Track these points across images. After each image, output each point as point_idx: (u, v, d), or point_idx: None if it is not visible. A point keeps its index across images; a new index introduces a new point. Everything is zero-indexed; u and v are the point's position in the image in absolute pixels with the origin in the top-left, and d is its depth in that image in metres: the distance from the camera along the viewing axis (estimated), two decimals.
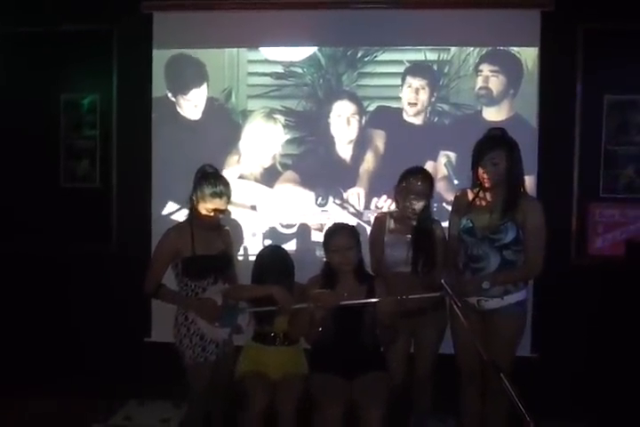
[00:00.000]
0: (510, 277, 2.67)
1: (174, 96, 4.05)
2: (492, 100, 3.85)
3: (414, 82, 3.89)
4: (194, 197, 2.73)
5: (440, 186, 3.85)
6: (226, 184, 2.73)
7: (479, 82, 3.86)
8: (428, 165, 3.82)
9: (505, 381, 1.74)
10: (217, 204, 2.69)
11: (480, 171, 2.67)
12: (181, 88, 4.04)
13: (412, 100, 3.89)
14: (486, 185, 2.68)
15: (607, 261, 3.72)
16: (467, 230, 2.73)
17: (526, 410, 1.60)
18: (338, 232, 2.85)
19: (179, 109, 4.05)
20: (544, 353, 3.78)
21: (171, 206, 3.96)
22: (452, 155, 3.82)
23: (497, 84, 3.85)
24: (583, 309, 3.77)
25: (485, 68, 3.85)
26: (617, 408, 3.22)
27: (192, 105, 4.04)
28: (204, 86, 4.02)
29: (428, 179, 2.98)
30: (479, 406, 2.85)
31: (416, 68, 3.90)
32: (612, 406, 3.27)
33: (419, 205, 2.93)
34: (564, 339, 3.82)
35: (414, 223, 2.97)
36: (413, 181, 2.93)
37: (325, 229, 2.99)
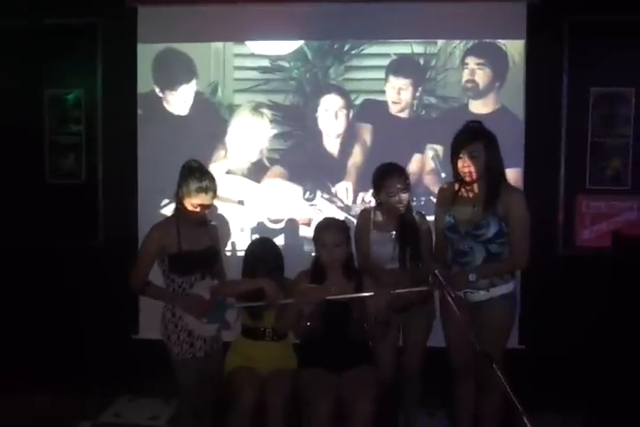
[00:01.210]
0: (497, 269, 2.67)
1: (162, 92, 4.02)
2: (479, 93, 3.85)
3: (396, 82, 3.89)
4: (180, 193, 2.71)
5: (427, 179, 3.86)
6: (211, 179, 2.71)
7: (465, 75, 3.86)
8: (416, 158, 3.84)
9: (497, 371, 1.74)
10: (203, 199, 2.67)
11: (460, 164, 2.66)
12: (170, 84, 4.01)
13: (395, 99, 3.90)
14: (467, 179, 2.67)
15: (594, 253, 3.74)
16: (449, 228, 2.73)
17: (518, 400, 1.60)
18: (327, 228, 2.82)
19: (166, 105, 4.02)
20: (532, 344, 3.80)
21: (157, 202, 3.93)
22: (440, 148, 3.82)
23: (483, 77, 3.85)
24: (571, 300, 3.79)
25: (471, 61, 3.85)
26: (607, 399, 3.24)
27: (180, 101, 4.01)
28: (194, 82, 3.99)
29: (403, 173, 2.95)
30: (472, 398, 2.85)
31: (398, 66, 3.89)
32: (602, 396, 3.29)
33: (404, 197, 2.91)
34: (552, 330, 3.84)
35: (402, 210, 2.94)
36: (388, 183, 2.90)
37: (316, 223, 2.96)
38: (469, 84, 3.85)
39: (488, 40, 3.84)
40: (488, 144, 2.63)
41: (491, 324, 2.67)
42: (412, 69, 3.88)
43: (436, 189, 3.72)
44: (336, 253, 2.79)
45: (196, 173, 2.69)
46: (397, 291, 2.69)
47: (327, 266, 2.83)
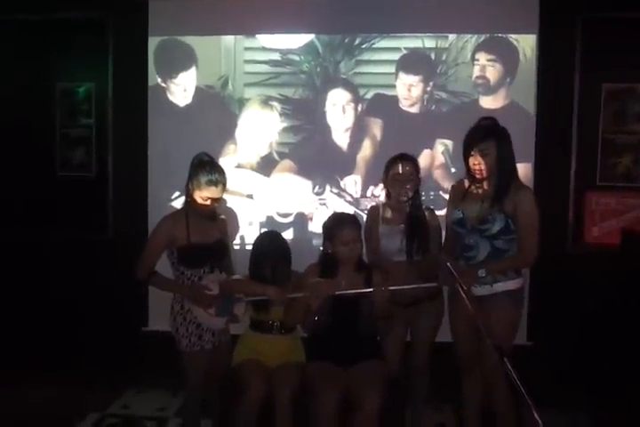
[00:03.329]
0: (505, 265, 2.66)
1: (164, 82, 4.02)
2: (490, 89, 3.83)
3: (407, 78, 3.87)
4: (189, 186, 2.72)
5: (437, 174, 3.85)
6: (221, 172, 2.72)
7: (476, 71, 3.83)
8: (425, 153, 3.83)
9: (508, 365, 1.74)
10: (212, 192, 2.68)
11: (470, 161, 2.66)
12: (170, 72, 4.01)
13: (406, 95, 3.88)
14: (477, 176, 2.67)
15: (603, 250, 3.72)
16: (457, 222, 2.73)
17: (527, 395, 1.60)
18: (345, 225, 2.80)
19: (169, 95, 4.02)
20: (540, 341, 3.79)
21: (167, 195, 3.95)
22: (450, 143, 3.81)
23: (494, 74, 3.83)
24: (580, 297, 3.78)
25: (482, 58, 3.83)
26: (615, 396, 3.23)
27: (181, 89, 4.01)
28: (193, 69, 3.99)
29: (410, 163, 2.95)
30: (479, 394, 2.84)
31: (409, 62, 3.87)
32: (611, 393, 3.28)
33: (405, 190, 2.92)
34: (561, 327, 3.83)
35: (408, 210, 2.96)
36: (395, 168, 2.92)
37: (326, 218, 2.94)
38: (480, 81, 3.82)
39: (500, 35, 3.81)
40: (500, 142, 2.62)
41: (493, 319, 2.64)
42: (423, 65, 3.86)
43: (445, 184, 3.75)
44: (356, 249, 2.79)
45: (207, 167, 2.70)
46: (405, 287, 2.70)
47: (342, 262, 2.83)
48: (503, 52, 3.82)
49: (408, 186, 2.92)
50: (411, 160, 2.97)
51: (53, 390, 3.72)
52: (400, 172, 2.91)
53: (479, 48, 3.83)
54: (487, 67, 3.82)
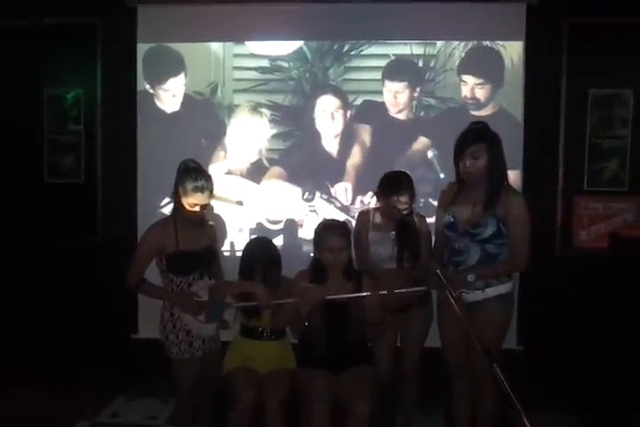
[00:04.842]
0: (496, 270, 2.67)
1: (152, 88, 4.02)
2: (479, 106, 3.84)
3: (392, 85, 3.88)
4: (177, 192, 2.72)
5: (426, 180, 3.85)
6: (207, 178, 2.72)
7: (465, 91, 3.84)
8: (414, 159, 3.84)
9: (497, 371, 1.74)
10: (199, 198, 2.68)
11: (461, 165, 2.67)
12: (159, 78, 4.00)
13: (392, 102, 3.90)
14: (468, 179, 2.68)
15: (591, 254, 3.75)
16: (448, 226, 2.74)
17: (517, 400, 1.61)
18: (332, 231, 2.81)
19: (157, 102, 4.01)
20: (530, 346, 3.81)
21: (156, 201, 3.93)
22: (438, 149, 3.82)
23: (483, 93, 3.83)
24: (568, 300, 3.80)
25: (470, 80, 3.83)
26: (605, 400, 3.25)
27: (170, 95, 4.00)
28: (182, 76, 3.98)
29: (409, 185, 2.95)
30: (469, 399, 2.85)
31: (393, 70, 3.88)
32: (600, 397, 3.30)
33: (405, 206, 2.93)
34: (550, 331, 3.85)
35: (401, 213, 2.96)
36: (396, 195, 2.90)
37: (317, 224, 2.95)
38: (470, 101, 3.83)
39: (487, 42, 3.83)
40: (491, 145, 2.64)
41: (486, 324, 2.65)
42: (408, 71, 3.88)
43: (434, 191, 3.75)
44: (341, 256, 2.79)
45: (192, 173, 2.70)
46: (395, 291, 2.70)
47: (330, 268, 2.83)
48: (490, 65, 3.81)
49: (403, 207, 2.92)
50: (407, 185, 2.94)
51: (41, 397, 3.69)
52: (397, 201, 2.90)
53: (465, 69, 3.82)
54: (476, 89, 3.84)
